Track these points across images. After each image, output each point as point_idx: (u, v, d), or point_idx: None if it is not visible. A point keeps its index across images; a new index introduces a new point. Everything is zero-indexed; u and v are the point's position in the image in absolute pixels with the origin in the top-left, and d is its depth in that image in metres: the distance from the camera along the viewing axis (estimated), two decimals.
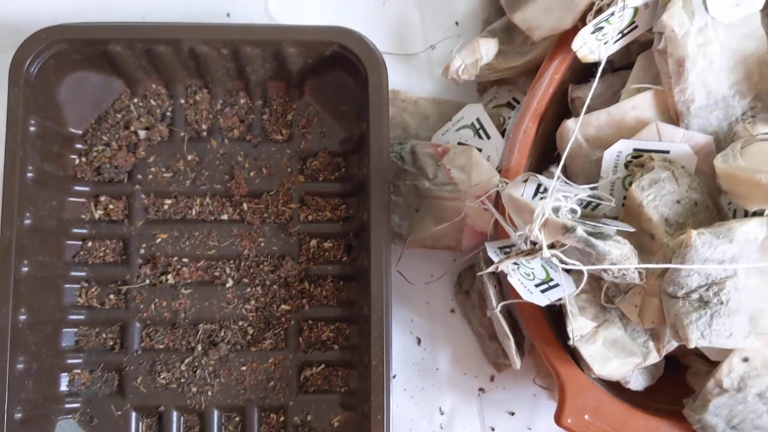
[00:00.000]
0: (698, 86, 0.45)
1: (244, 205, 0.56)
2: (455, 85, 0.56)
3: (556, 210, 0.39)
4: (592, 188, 0.43)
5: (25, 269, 0.51)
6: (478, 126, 0.54)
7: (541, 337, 0.47)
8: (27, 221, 0.51)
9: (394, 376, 0.57)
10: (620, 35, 0.46)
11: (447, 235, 0.53)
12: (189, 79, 0.56)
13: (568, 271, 0.43)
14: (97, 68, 0.55)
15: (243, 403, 0.55)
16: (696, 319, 0.40)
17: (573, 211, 0.40)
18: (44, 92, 0.53)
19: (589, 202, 0.44)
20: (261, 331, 0.55)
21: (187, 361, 0.55)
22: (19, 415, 0.50)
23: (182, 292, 0.55)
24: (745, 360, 0.44)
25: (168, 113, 0.57)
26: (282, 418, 0.55)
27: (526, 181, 0.43)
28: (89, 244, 0.56)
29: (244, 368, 0.55)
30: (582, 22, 0.46)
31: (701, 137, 0.45)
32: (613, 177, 0.46)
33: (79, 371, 0.55)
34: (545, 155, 0.51)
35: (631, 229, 0.43)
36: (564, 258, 0.39)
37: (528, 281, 0.44)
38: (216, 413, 0.55)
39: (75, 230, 0.55)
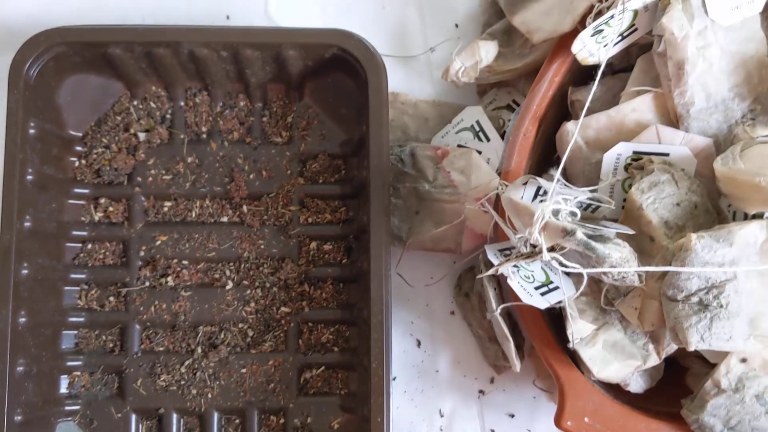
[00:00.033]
0: (698, 89, 0.45)
1: (244, 208, 0.56)
2: (455, 88, 0.56)
3: (555, 213, 0.39)
4: (591, 191, 0.43)
5: (25, 272, 0.51)
6: (477, 128, 0.54)
7: (541, 340, 0.47)
8: (27, 224, 0.51)
9: (394, 379, 0.57)
10: (620, 38, 0.46)
11: (447, 238, 0.53)
12: (189, 81, 0.57)
13: (567, 273, 0.43)
14: (96, 71, 0.55)
15: (243, 406, 0.55)
16: (696, 322, 0.40)
17: (573, 214, 0.40)
18: (44, 95, 0.53)
19: (589, 205, 0.44)
20: (261, 333, 0.55)
21: (187, 363, 0.55)
22: (19, 417, 0.50)
23: (182, 294, 0.55)
24: (743, 361, 0.44)
25: (168, 116, 0.57)
26: (282, 421, 0.55)
27: (525, 183, 0.43)
28: (89, 246, 0.56)
29: (244, 370, 0.55)
30: (582, 24, 0.46)
31: (701, 140, 0.45)
32: (612, 179, 0.46)
33: (78, 373, 0.55)
34: (545, 158, 0.51)
35: (631, 232, 0.43)
36: (564, 261, 0.39)
37: (528, 284, 0.44)
38: (216, 415, 0.55)
39: (75, 232, 0.55)
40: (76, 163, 0.56)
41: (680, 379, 0.49)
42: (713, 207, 0.45)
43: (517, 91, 0.56)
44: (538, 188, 0.43)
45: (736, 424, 0.44)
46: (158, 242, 0.56)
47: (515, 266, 0.43)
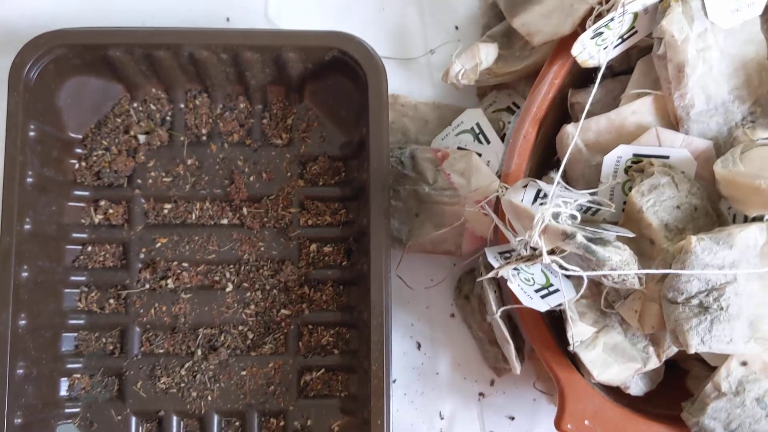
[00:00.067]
0: (698, 91, 0.45)
1: (244, 210, 0.56)
2: (455, 90, 0.56)
3: (556, 216, 0.39)
4: (591, 194, 0.43)
5: (25, 274, 0.51)
6: (477, 131, 0.54)
7: (541, 342, 0.47)
8: (27, 226, 0.51)
9: (394, 381, 0.57)
10: (620, 40, 0.46)
11: (447, 240, 0.53)
12: (189, 83, 0.57)
13: (568, 276, 0.43)
14: (96, 73, 0.55)
15: (243, 408, 0.55)
16: (696, 324, 0.40)
17: (573, 217, 0.40)
18: (44, 97, 0.53)
19: (589, 208, 0.44)
20: (261, 335, 0.55)
21: (186, 365, 0.55)
22: (19, 420, 0.50)
23: (182, 296, 0.55)
24: (744, 364, 0.44)
25: (168, 118, 0.57)
26: (282, 423, 0.54)
27: (525, 186, 0.43)
28: (89, 248, 0.56)
29: (244, 373, 0.55)
30: (582, 27, 0.46)
31: (701, 142, 0.45)
32: (612, 182, 0.46)
33: (78, 376, 0.55)
34: (545, 160, 0.51)
35: (631, 235, 0.43)
36: (564, 264, 0.39)
37: (528, 286, 0.44)
38: (216, 418, 0.55)
39: (75, 235, 0.55)
40: (76, 166, 0.56)
41: (680, 382, 0.49)
42: (713, 209, 0.45)
43: (517, 93, 0.56)
44: (538, 191, 0.43)
45: (737, 428, 0.44)
46: (158, 244, 0.56)
47: (515, 269, 0.43)
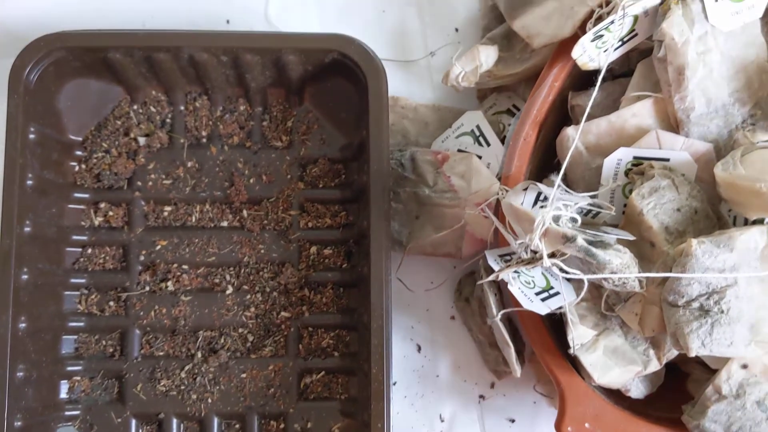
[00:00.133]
0: (698, 94, 0.45)
1: (244, 212, 0.56)
2: (455, 92, 0.56)
3: (556, 219, 0.39)
4: (592, 196, 0.43)
5: (25, 277, 0.51)
6: (477, 133, 0.54)
7: (542, 345, 0.47)
8: (27, 229, 0.51)
9: (394, 383, 0.57)
10: (620, 43, 0.46)
11: (447, 243, 0.53)
12: (189, 86, 0.56)
13: (568, 279, 0.43)
14: (96, 75, 0.55)
15: (243, 411, 0.54)
16: (697, 327, 0.40)
17: (573, 220, 0.40)
18: (44, 99, 0.53)
19: (589, 210, 0.44)
20: (261, 338, 0.55)
21: (187, 368, 0.55)
22: (19, 423, 0.50)
23: (182, 299, 0.55)
24: (744, 367, 0.44)
25: (168, 120, 0.57)
26: (282, 426, 0.54)
27: (526, 189, 0.43)
28: (89, 251, 0.56)
29: (244, 375, 0.55)
30: (582, 29, 0.46)
31: (701, 145, 0.45)
32: (613, 185, 0.46)
33: (78, 378, 0.55)
34: (545, 162, 0.51)
35: (632, 238, 0.43)
36: (564, 267, 0.39)
37: (528, 289, 0.44)
38: (216, 420, 0.55)
39: (75, 237, 0.55)
40: (76, 168, 0.56)
41: (681, 385, 0.49)
42: (714, 212, 0.45)
43: (517, 95, 0.56)
44: (539, 194, 0.43)
45: (738, 431, 0.44)
46: (158, 247, 0.56)
47: (516, 272, 0.43)
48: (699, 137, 0.45)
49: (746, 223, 0.44)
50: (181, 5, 0.60)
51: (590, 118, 0.46)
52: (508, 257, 0.45)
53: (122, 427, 0.54)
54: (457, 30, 0.59)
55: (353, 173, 0.56)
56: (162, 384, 0.55)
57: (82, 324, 0.55)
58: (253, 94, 0.56)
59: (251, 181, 0.56)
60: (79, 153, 0.56)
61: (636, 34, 0.46)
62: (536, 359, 0.53)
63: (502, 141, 0.54)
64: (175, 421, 0.54)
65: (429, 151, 0.54)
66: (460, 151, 0.55)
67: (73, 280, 0.55)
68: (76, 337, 0.55)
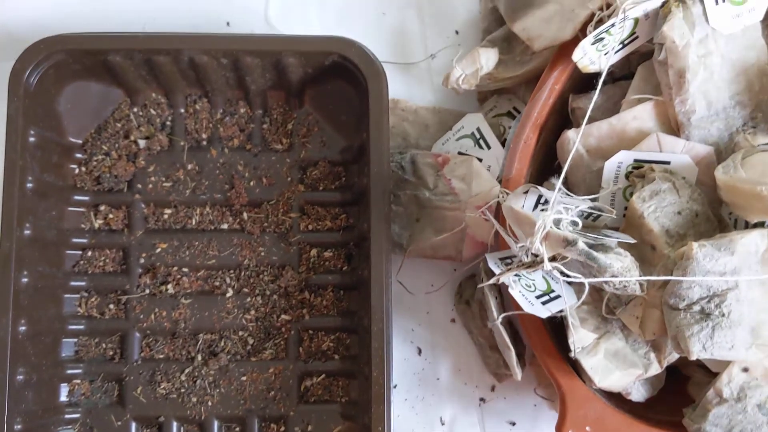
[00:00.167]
0: (699, 97, 0.45)
1: (244, 215, 0.56)
2: (455, 95, 0.56)
3: (557, 222, 0.39)
4: (592, 200, 0.43)
5: (25, 280, 0.50)
6: (478, 135, 0.54)
7: (542, 348, 0.47)
8: (27, 231, 0.51)
9: (394, 386, 0.57)
10: (621, 46, 0.46)
11: (447, 245, 0.53)
12: (189, 88, 0.56)
13: (569, 282, 0.43)
14: (96, 78, 0.55)
15: (243, 414, 0.54)
16: (697, 331, 0.40)
17: (574, 224, 0.40)
18: (44, 102, 0.52)
19: (590, 213, 0.44)
20: (261, 341, 0.55)
21: (187, 371, 0.55)
22: (19, 426, 0.50)
23: (182, 301, 0.55)
24: (745, 370, 0.44)
25: (168, 122, 0.57)
26: (282, 429, 0.54)
27: (526, 192, 0.43)
28: (89, 253, 0.56)
29: (244, 378, 0.55)
30: (582, 32, 0.46)
31: (702, 148, 0.45)
32: (613, 188, 0.46)
33: (78, 381, 0.54)
34: (546, 165, 0.51)
35: (632, 241, 0.43)
36: (565, 270, 0.39)
37: (529, 293, 0.44)
38: (216, 423, 0.55)
39: (75, 240, 0.55)
40: (76, 171, 0.56)
41: (682, 388, 0.49)
42: (714, 215, 0.45)
43: (518, 98, 0.55)
44: (539, 197, 0.42)
45: None
46: (158, 249, 0.56)
47: (516, 275, 0.43)
48: (700, 140, 0.45)
49: (747, 226, 0.44)
50: (181, 7, 0.60)
51: (591, 121, 0.46)
52: (508, 260, 0.45)
53: (122, 431, 0.54)
54: (457, 32, 0.59)
55: (353, 176, 0.56)
56: (162, 387, 0.55)
57: (82, 327, 0.55)
58: (254, 96, 0.56)
59: (251, 183, 0.56)
60: (79, 156, 0.56)
61: (636, 37, 0.46)
62: (537, 362, 0.53)
63: (503, 144, 0.54)
64: (175, 424, 0.54)
65: (429, 154, 0.54)
66: (460, 153, 0.54)
67: (73, 283, 0.55)
68: (76, 340, 0.55)
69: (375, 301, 0.49)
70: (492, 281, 0.43)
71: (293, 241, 0.56)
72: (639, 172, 0.45)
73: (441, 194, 0.52)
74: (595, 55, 0.46)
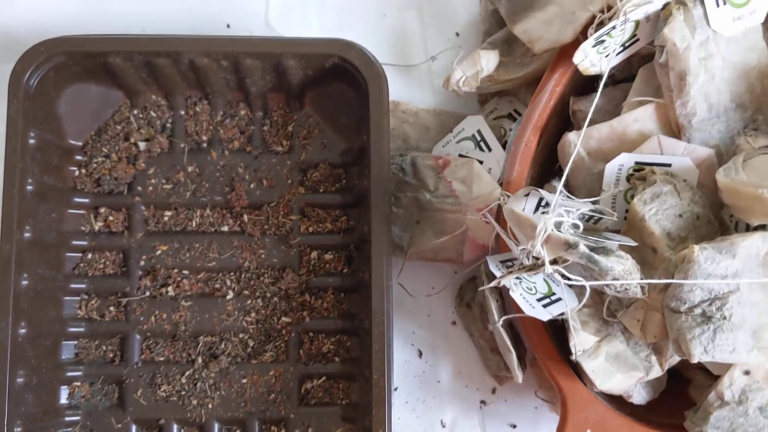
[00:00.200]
0: (700, 99, 0.45)
1: (245, 217, 0.56)
2: (456, 97, 0.56)
3: (558, 225, 0.39)
4: (593, 202, 0.43)
5: (25, 282, 0.50)
6: (479, 138, 0.54)
7: (543, 351, 0.47)
8: (27, 234, 0.51)
9: (395, 389, 0.57)
10: (621, 48, 0.46)
11: (448, 248, 0.53)
12: (189, 90, 0.56)
13: (570, 285, 0.43)
14: (96, 80, 0.55)
15: (244, 416, 0.54)
16: (699, 334, 0.40)
17: (575, 226, 0.40)
18: (44, 104, 0.52)
19: (591, 216, 0.44)
20: (261, 343, 0.55)
21: (187, 373, 0.55)
22: (19, 429, 0.50)
23: (182, 304, 0.55)
24: (747, 373, 0.44)
25: (168, 124, 0.57)
26: (283, 431, 0.54)
27: (527, 195, 0.43)
28: (89, 256, 0.56)
29: (244, 381, 0.55)
30: (583, 35, 0.46)
31: (703, 150, 0.45)
32: (614, 190, 0.46)
33: (79, 384, 0.54)
34: (546, 167, 0.51)
35: (633, 244, 0.43)
36: (567, 274, 0.39)
37: (530, 295, 0.44)
38: (216, 426, 0.54)
39: (75, 242, 0.55)
40: (76, 173, 0.56)
41: (683, 391, 0.49)
42: (715, 218, 0.45)
43: (519, 100, 0.55)
44: (540, 199, 0.42)
45: None
46: (158, 252, 0.56)
47: (517, 278, 0.43)
48: (701, 143, 0.45)
49: (748, 228, 0.44)
50: (181, 9, 0.60)
51: (592, 123, 0.45)
52: (509, 263, 0.45)
53: None
54: (457, 34, 0.59)
55: (354, 178, 0.56)
56: (162, 389, 0.55)
57: (82, 329, 0.55)
58: (254, 98, 0.56)
59: (252, 185, 0.56)
60: (79, 158, 0.56)
61: (637, 40, 0.46)
62: (538, 364, 0.53)
63: (504, 146, 0.54)
64: (175, 426, 0.54)
65: (430, 156, 0.54)
66: (461, 155, 0.54)
67: (73, 286, 0.55)
68: (76, 342, 0.55)
69: (375, 304, 0.49)
70: (493, 284, 0.43)
71: (294, 244, 0.56)
72: (640, 175, 0.45)
73: (442, 196, 0.52)
74: (595, 58, 0.46)
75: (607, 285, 0.40)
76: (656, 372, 0.46)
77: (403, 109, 0.57)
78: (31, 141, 0.51)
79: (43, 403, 0.52)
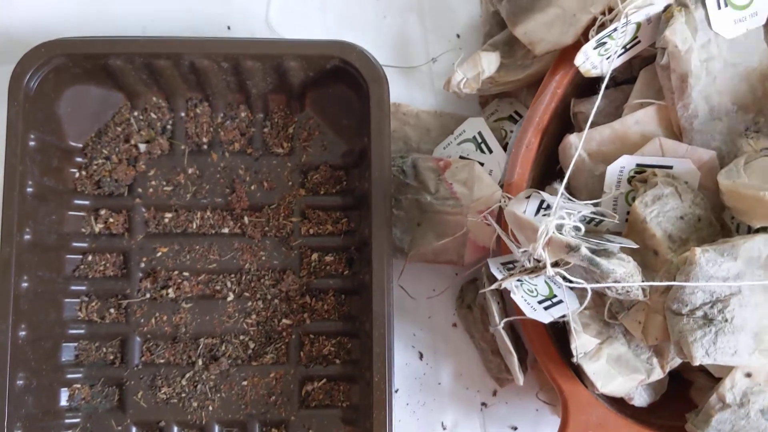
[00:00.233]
0: (701, 102, 0.45)
1: (245, 219, 0.56)
2: (457, 99, 0.56)
3: (559, 227, 0.39)
4: (595, 204, 0.43)
5: (25, 285, 0.50)
6: (479, 140, 0.54)
7: (545, 353, 0.47)
8: (27, 236, 0.50)
9: (396, 391, 0.57)
10: (623, 50, 0.46)
11: (449, 250, 0.53)
12: (189, 92, 0.56)
13: (571, 287, 0.43)
14: (97, 81, 0.54)
15: (244, 418, 0.54)
16: (700, 336, 0.40)
17: (576, 229, 0.40)
18: (44, 106, 0.52)
19: (592, 218, 0.44)
20: (262, 345, 0.55)
21: (187, 375, 0.55)
22: (19, 431, 0.49)
23: (183, 306, 0.55)
24: (748, 375, 0.43)
25: (168, 126, 0.57)
26: None
27: (528, 197, 0.42)
28: (89, 258, 0.56)
29: (245, 383, 0.55)
30: (584, 37, 0.46)
31: (704, 152, 0.45)
32: (616, 192, 0.46)
33: (79, 386, 0.54)
34: (547, 169, 0.51)
35: (635, 246, 0.42)
36: (568, 276, 0.39)
37: (531, 298, 0.44)
38: (217, 428, 0.54)
39: (75, 244, 0.55)
40: (77, 175, 0.56)
41: (684, 393, 0.49)
42: (717, 220, 0.44)
43: (519, 102, 0.55)
44: (541, 201, 0.42)
45: None
46: (159, 254, 0.56)
47: (518, 280, 0.43)
48: (702, 145, 0.45)
49: (749, 231, 0.44)
50: (181, 11, 0.60)
51: (593, 125, 0.45)
52: (510, 265, 0.45)
53: None
54: (458, 36, 0.59)
55: (355, 180, 0.56)
56: (163, 391, 0.54)
57: (82, 331, 0.55)
58: (254, 100, 0.56)
59: (252, 187, 0.56)
60: (79, 160, 0.56)
61: (639, 42, 0.46)
62: (539, 367, 0.53)
63: (504, 148, 0.54)
64: (176, 429, 0.54)
65: (431, 158, 0.54)
66: (462, 157, 0.54)
67: (73, 288, 0.55)
68: (76, 344, 0.55)
69: (376, 306, 0.49)
70: (494, 287, 0.43)
71: (294, 246, 0.56)
72: (641, 177, 0.45)
73: (442, 199, 0.52)
74: (597, 60, 0.46)
75: (608, 287, 0.40)
76: (657, 374, 0.46)
77: (403, 110, 0.57)
78: (31, 143, 0.51)
79: (43, 405, 0.52)
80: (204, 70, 0.53)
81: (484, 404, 0.57)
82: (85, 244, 0.55)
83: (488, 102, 0.57)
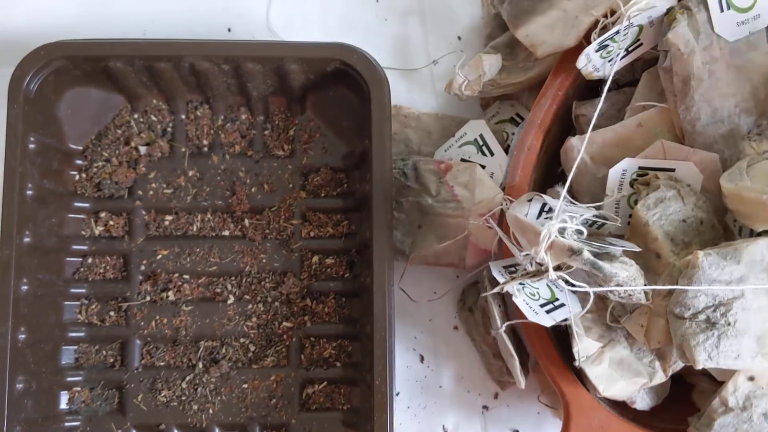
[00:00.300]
0: (703, 104, 0.44)
1: (246, 221, 0.56)
2: (458, 101, 0.56)
3: (561, 231, 0.39)
4: (597, 208, 0.43)
5: (25, 287, 0.50)
6: (481, 142, 0.54)
7: (546, 357, 0.47)
8: (26, 239, 0.50)
9: (397, 394, 0.56)
10: (625, 53, 0.46)
11: (450, 253, 0.52)
12: (190, 94, 0.56)
13: (573, 291, 0.43)
14: (97, 84, 0.54)
15: (244, 421, 0.54)
16: (703, 340, 0.40)
17: (579, 232, 0.40)
18: (44, 109, 0.52)
19: (594, 221, 0.44)
20: (262, 348, 0.55)
21: (188, 378, 0.54)
22: None
23: (183, 308, 0.55)
24: (751, 379, 0.43)
25: (169, 129, 0.57)
26: None
27: (530, 200, 0.42)
28: (89, 260, 0.55)
29: (245, 386, 0.54)
30: (586, 39, 0.46)
31: (707, 155, 0.45)
32: (618, 195, 0.46)
33: (79, 389, 0.54)
34: (549, 172, 0.51)
35: (637, 249, 0.42)
36: (571, 280, 0.39)
37: (533, 301, 0.44)
38: (217, 431, 0.54)
39: (75, 247, 0.55)
40: (77, 177, 0.56)
41: (687, 397, 0.49)
42: (719, 223, 0.44)
43: (521, 104, 0.55)
44: (543, 204, 0.42)
45: None
46: (159, 256, 0.55)
47: (520, 284, 0.43)
48: (705, 147, 0.45)
49: (752, 234, 0.44)
50: (182, 13, 0.60)
51: (595, 128, 0.45)
52: (512, 269, 0.45)
53: None
54: (459, 38, 0.59)
55: (355, 182, 0.56)
56: (163, 394, 0.54)
57: (82, 334, 0.55)
58: (255, 102, 0.56)
59: (253, 190, 0.56)
60: (79, 162, 0.56)
61: (641, 44, 0.46)
62: (540, 369, 0.53)
63: (506, 150, 0.54)
64: (176, 431, 0.54)
65: (432, 161, 0.54)
66: (463, 160, 0.54)
67: (73, 290, 0.55)
68: (76, 347, 0.55)
69: (377, 309, 0.49)
70: (496, 290, 0.43)
71: (295, 248, 0.56)
72: (644, 180, 0.45)
73: (443, 201, 0.52)
74: (599, 62, 0.46)
75: (611, 291, 0.40)
76: (660, 378, 0.46)
77: (405, 113, 0.57)
78: (31, 145, 0.51)
79: (43, 408, 0.52)
80: (204, 73, 0.53)
81: (485, 407, 0.56)
82: (85, 247, 0.55)
83: (489, 104, 0.57)
